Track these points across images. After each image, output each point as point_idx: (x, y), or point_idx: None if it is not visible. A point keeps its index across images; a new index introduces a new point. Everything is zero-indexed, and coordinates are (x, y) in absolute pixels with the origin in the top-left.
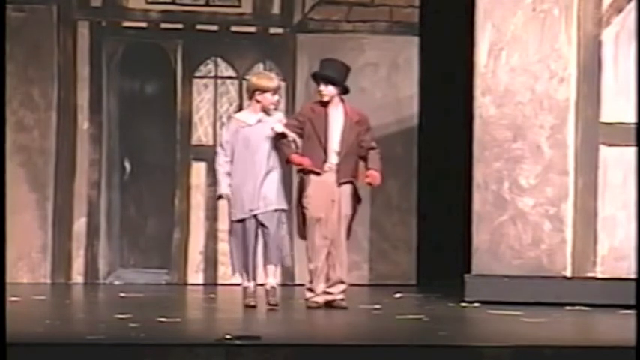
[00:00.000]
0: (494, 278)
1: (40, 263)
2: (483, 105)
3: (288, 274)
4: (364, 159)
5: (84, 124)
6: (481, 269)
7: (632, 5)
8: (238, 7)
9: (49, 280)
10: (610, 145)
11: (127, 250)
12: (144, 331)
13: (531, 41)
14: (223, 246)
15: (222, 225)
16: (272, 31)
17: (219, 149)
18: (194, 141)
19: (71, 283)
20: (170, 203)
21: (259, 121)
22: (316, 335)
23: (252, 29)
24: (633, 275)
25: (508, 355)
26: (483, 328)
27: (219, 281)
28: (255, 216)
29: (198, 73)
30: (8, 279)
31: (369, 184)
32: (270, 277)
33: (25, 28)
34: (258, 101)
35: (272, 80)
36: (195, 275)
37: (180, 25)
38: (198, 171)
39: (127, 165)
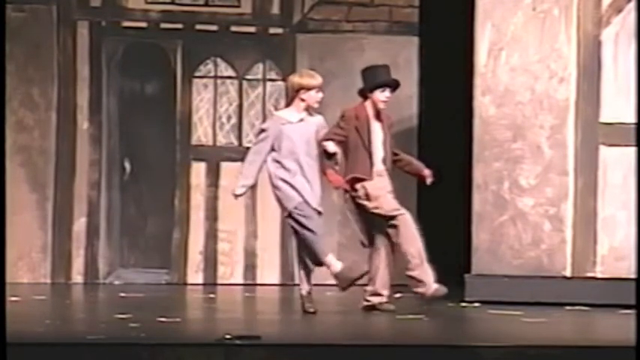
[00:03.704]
0: (494, 278)
1: (40, 263)
2: (483, 105)
3: (288, 274)
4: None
5: (84, 124)
6: (481, 269)
7: (632, 5)
8: (238, 7)
9: (49, 280)
10: (610, 145)
11: (127, 250)
12: (144, 331)
13: (531, 41)
14: (223, 246)
15: (222, 225)
16: (272, 31)
17: (253, 147)
18: (194, 141)
19: (71, 283)
20: (170, 203)
21: (302, 120)
22: (316, 335)
23: (252, 29)
24: (633, 275)
25: (508, 355)
26: (483, 328)
27: (219, 281)
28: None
29: (198, 73)
30: (8, 279)
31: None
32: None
33: (25, 28)
34: (302, 100)
35: (316, 78)
36: (195, 275)
37: (180, 25)
38: (198, 171)
39: (127, 165)
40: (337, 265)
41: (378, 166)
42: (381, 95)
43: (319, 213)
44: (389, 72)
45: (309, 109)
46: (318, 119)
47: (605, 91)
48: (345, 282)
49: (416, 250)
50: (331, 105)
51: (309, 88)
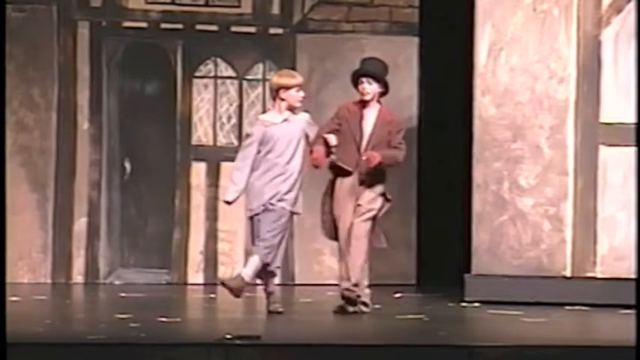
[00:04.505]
0: (494, 278)
1: (41, 263)
2: (483, 105)
3: (288, 274)
4: None
5: (84, 124)
6: (481, 269)
7: (632, 5)
8: (238, 7)
9: (49, 280)
10: (610, 145)
11: (127, 250)
12: (144, 331)
13: (531, 41)
14: (223, 246)
15: (222, 225)
16: (272, 31)
17: (239, 153)
18: (194, 141)
19: (71, 283)
20: (170, 203)
21: (285, 120)
22: (316, 335)
23: (252, 29)
24: (633, 275)
25: (507, 355)
26: (483, 328)
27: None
28: (259, 213)
29: (198, 73)
30: (8, 279)
31: (366, 162)
32: (270, 283)
33: (25, 28)
34: (283, 99)
35: (295, 77)
36: (195, 275)
37: (180, 25)
38: (198, 171)
39: (127, 165)
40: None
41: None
42: (360, 86)
43: (293, 213)
44: (371, 64)
45: (291, 109)
46: (304, 117)
47: (605, 91)
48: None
49: None
50: (331, 105)
51: (288, 87)
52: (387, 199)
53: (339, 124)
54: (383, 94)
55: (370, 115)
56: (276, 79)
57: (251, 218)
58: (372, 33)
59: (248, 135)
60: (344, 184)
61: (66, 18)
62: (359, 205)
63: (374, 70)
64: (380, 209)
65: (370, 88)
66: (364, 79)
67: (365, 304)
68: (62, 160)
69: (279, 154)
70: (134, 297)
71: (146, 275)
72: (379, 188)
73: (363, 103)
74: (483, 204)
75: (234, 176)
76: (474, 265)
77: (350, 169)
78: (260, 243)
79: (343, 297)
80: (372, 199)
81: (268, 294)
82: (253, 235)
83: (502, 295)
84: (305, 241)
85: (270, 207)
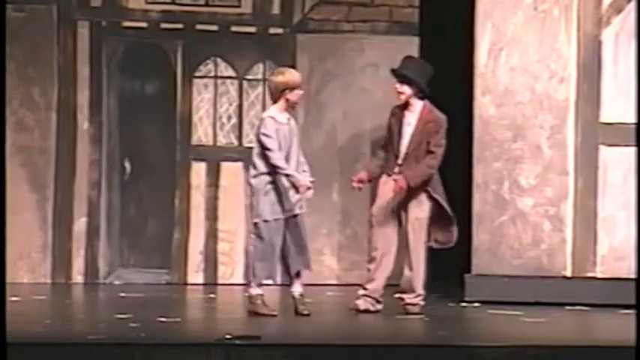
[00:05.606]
0: (494, 278)
1: (40, 263)
2: (483, 105)
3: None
4: None
5: (84, 124)
6: (481, 269)
7: (632, 5)
8: (238, 7)
9: (49, 280)
10: (610, 145)
11: (127, 250)
12: (144, 331)
13: (531, 41)
14: (223, 246)
15: (222, 225)
16: (272, 31)
17: (274, 153)
18: (194, 141)
19: (71, 283)
20: (170, 203)
21: (289, 119)
22: (316, 335)
23: (252, 29)
24: (633, 275)
25: (507, 355)
26: (483, 328)
27: (219, 281)
28: (286, 218)
29: (198, 73)
30: (8, 279)
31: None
32: (298, 284)
33: (25, 28)
34: (287, 99)
35: (297, 75)
36: (195, 275)
37: (180, 25)
38: (198, 171)
39: (127, 165)
40: (255, 290)
41: (399, 163)
42: (395, 86)
43: (295, 216)
44: (404, 64)
45: (291, 108)
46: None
47: (605, 91)
48: (255, 308)
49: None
50: (331, 105)
51: (294, 87)
52: (430, 198)
53: (389, 129)
54: (422, 93)
55: (411, 118)
56: (282, 78)
57: (270, 221)
58: (372, 33)
59: (268, 136)
60: (387, 185)
61: (66, 18)
62: (402, 213)
63: (404, 72)
64: (429, 213)
65: (402, 89)
66: (397, 80)
67: (378, 301)
68: (62, 160)
69: (294, 153)
70: (134, 297)
71: (146, 275)
72: (420, 190)
73: (404, 105)
74: (483, 204)
75: (283, 166)
76: (474, 265)
77: (390, 173)
78: (303, 252)
79: (407, 312)
80: (415, 207)
81: (294, 297)
82: (283, 240)
83: (502, 295)
84: None
85: (299, 214)
